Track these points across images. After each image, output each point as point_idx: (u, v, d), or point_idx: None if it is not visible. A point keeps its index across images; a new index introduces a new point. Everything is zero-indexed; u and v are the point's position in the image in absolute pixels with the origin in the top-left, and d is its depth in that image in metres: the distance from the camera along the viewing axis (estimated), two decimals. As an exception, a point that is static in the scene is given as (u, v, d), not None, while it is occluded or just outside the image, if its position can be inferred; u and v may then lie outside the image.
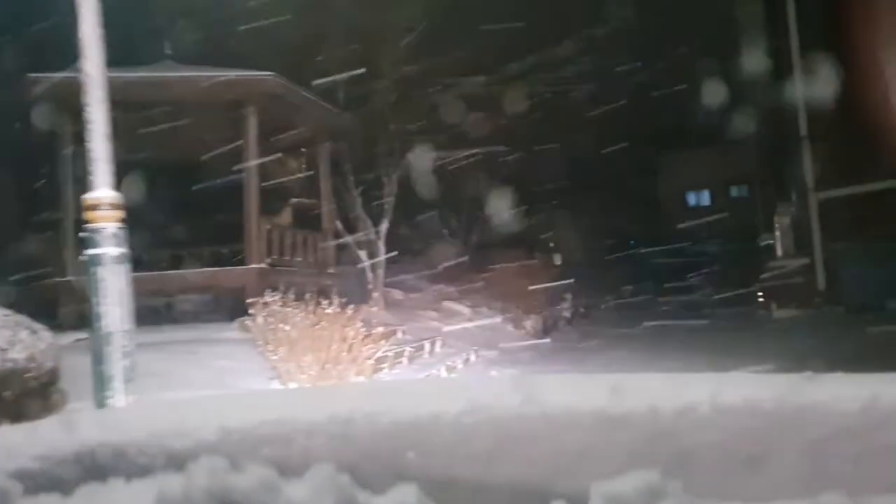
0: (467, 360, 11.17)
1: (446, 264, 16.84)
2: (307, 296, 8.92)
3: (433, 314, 13.80)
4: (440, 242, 18.00)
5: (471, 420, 1.93)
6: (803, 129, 16.66)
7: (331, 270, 11.97)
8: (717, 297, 22.37)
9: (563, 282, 21.70)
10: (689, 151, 32.14)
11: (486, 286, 16.59)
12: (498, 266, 17.20)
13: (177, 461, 1.83)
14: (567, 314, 17.76)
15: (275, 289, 8.83)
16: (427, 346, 10.99)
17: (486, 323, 14.25)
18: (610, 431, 1.87)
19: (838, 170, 15.43)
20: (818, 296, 16.19)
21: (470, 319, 14.15)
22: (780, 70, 18.21)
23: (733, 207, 29.94)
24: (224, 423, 2.04)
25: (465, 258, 18.24)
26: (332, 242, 12.05)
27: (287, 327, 7.61)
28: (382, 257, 13.62)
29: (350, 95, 13.42)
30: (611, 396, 1.94)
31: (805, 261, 16.70)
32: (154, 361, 8.12)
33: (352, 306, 8.92)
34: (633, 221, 33.79)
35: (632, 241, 32.64)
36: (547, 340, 14.50)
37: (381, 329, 10.10)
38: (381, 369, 9.26)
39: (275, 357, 7.71)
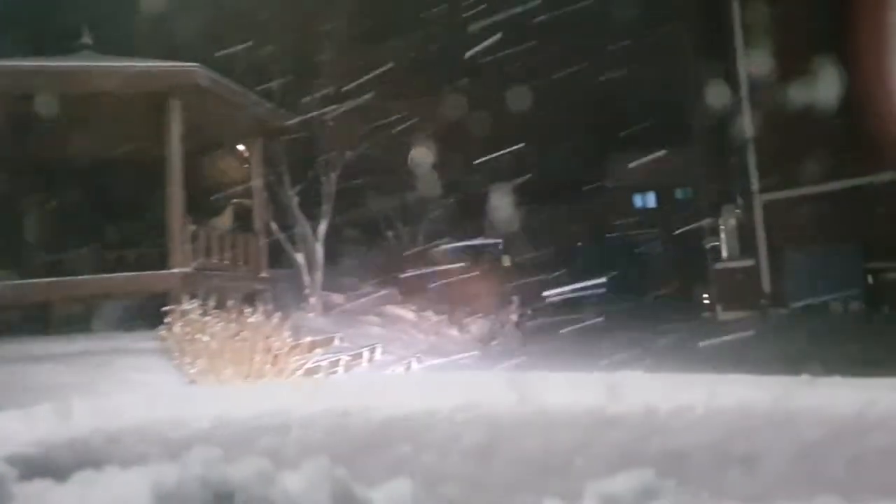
0: (409, 367, 10.67)
1: (392, 267, 16.34)
2: (234, 302, 8.31)
3: (375, 320, 13.27)
4: (386, 244, 17.47)
5: (464, 417, 1.94)
6: (748, 131, 16.63)
7: (264, 275, 11.33)
8: (662, 298, 22.44)
9: (511, 284, 21.44)
10: (635, 153, 32.20)
11: (433, 290, 16.14)
12: (445, 269, 16.76)
13: (172, 450, 1.82)
14: (514, 317, 17.40)
15: (200, 294, 8.20)
16: (366, 353, 10.46)
17: (430, 328, 13.79)
18: (605, 430, 1.87)
19: (782, 172, 15.42)
20: (763, 297, 16.18)
21: (414, 325, 13.67)
22: (726, 71, 18.21)
23: (679, 209, 30.14)
24: (220, 413, 2.07)
25: (412, 261, 17.76)
26: (265, 244, 11.39)
27: (205, 338, 6.99)
28: (320, 260, 13.02)
29: (288, 91, 12.84)
30: (607, 395, 1.97)
31: (750, 262, 16.68)
32: (62, 374, 7.43)
33: (284, 313, 8.36)
34: (582, 223, 33.83)
35: (579, 243, 32.61)
36: (493, 345, 14.11)
37: (312, 338, 9.56)
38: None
39: (192, 370, 7.10)
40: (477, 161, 21.13)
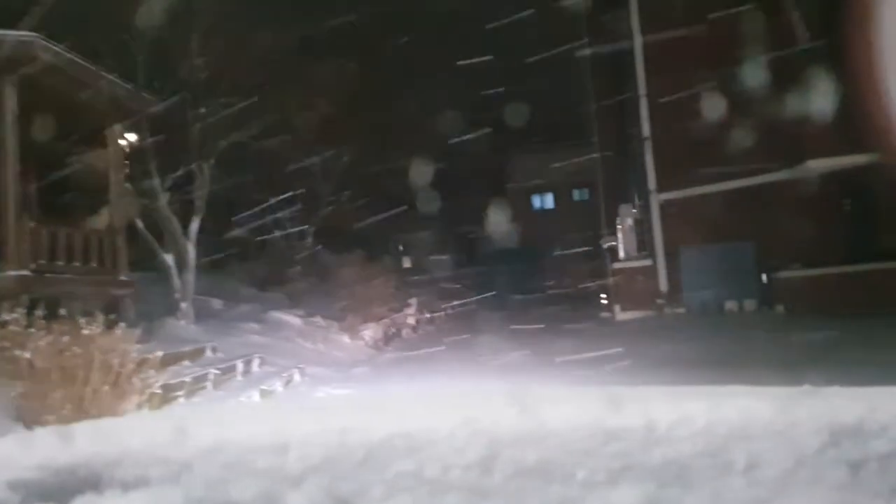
0: (290, 380, 9.62)
1: (279, 270, 15.17)
2: (83, 309, 7.03)
3: (256, 327, 12.10)
4: (273, 244, 16.24)
5: (465, 433, 1.96)
6: (646, 130, 16.48)
7: (124, 278, 9.99)
8: (561, 300, 22.25)
9: (410, 286, 20.64)
10: (534, 154, 32.18)
11: (324, 293, 15.07)
12: (339, 270, 15.74)
13: (173, 472, 1.82)
14: (412, 321, 16.55)
15: (40, 301, 6.89)
16: (240, 365, 9.33)
17: (319, 334, 12.74)
18: (606, 443, 1.89)
19: (680, 171, 15.31)
20: (660, 297, 16.05)
21: (301, 332, 12.59)
22: (625, 71, 18.07)
23: (577, 210, 30.22)
24: (220, 433, 2.09)
25: (302, 262, 16.62)
26: (123, 244, 10.03)
27: (27, 354, 5.76)
28: (192, 261, 11.72)
29: (156, 75, 11.53)
30: (608, 408, 2.04)
31: (647, 262, 16.53)
32: None
33: (149, 320, 7.17)
34: (483, 224, 33.51)
35: (481, 245, 32.23)
36: (387, 351, 13.21)
37: (179, 349, 8.38)
38: (174, 399, 7.58)
39: (13, 393, 5.85)
40: (372, 155, 20.29)
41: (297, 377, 9.82)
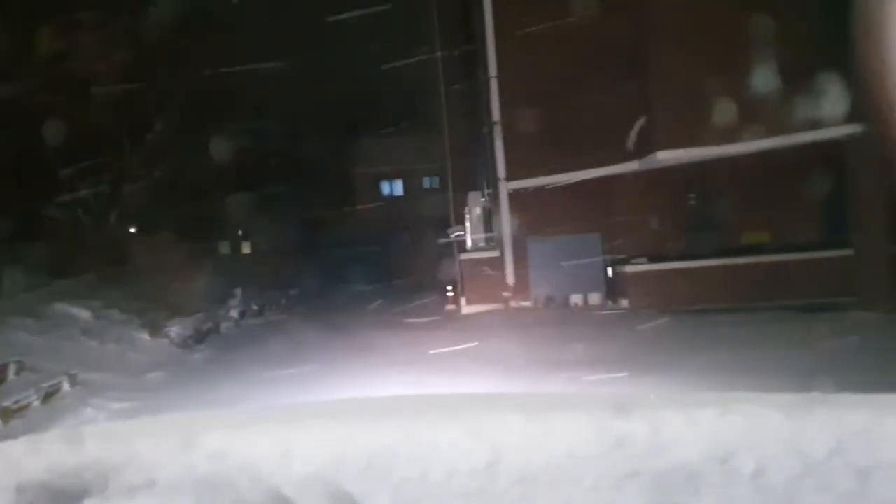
0: (53, 391, 7.68)
1: (70, 254, 12.86)
2: None
3: (30, 322, 9.92)
4: (61, 222, 13.80)
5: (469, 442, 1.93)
6: (496, 114, 15.54)
7: None
8: (406, 291, 21.18)
9: (241, 274, 18.71)
10: (383, 139, 30.90)
11: (128, 282, 12.93)
12: (148, 255, 13.62)
13: (182, 477, 1.81)
14: (235, 314, 14.68)
15: None
16: (-15, 374, 7.29)
17: (111, 332, 10.71)
18: (611, 449, 1.87)
19: (530, 159, 14.50)
20: (507, 290, 15.24)
21: (87, 329, 10.51)
22: (475, 55, 17.12)
23: (427, 198, 29.17)
24: (224, 439, 2.05)
25: (104, 245, 14.30)
26: None
27: None
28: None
29: None
30: (614, 414, 1.99)
31: (495, 254, 15.67)
32: None
33: None
34: (328, 210, 31.95)
35: (324, 231, 30.55)
36: (198, 351, 11.37)
37: None
38: None
39: None
40: (206, 135, 18.29)
41: (65, 387, 7.88)
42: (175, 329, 11.27)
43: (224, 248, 31.30)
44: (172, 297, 12.26)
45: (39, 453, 2.02)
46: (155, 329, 11.00)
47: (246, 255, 33.78)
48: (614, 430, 1.91)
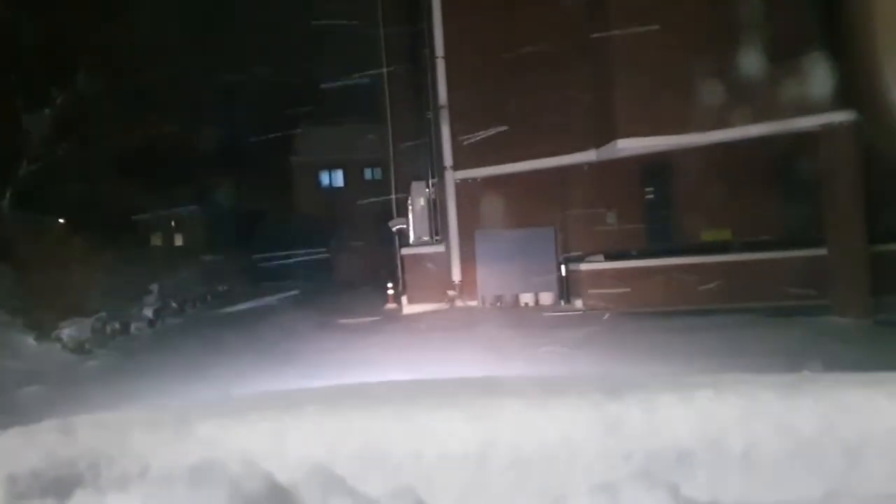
0: None
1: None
2: None
3: None
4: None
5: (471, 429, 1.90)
6: (443, 98, 14.29)
7: None
8: (345, 288, 19.95)
9: (163, 268, 17.11)
10: (323, 127, 29.37)
11: (19, 277, 11.23)
12: (43, 246, 11.95)
13: (175, 464, 1.77)
14: (149, 313, 13.08)
15: None
16: None
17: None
18: (605, 431, 1.84)
19: (480, 147, 13.28)
20: (453, 288, 14.05)
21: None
22: (421, 35, 15.85)
23: (369, 189, 27.74)
24: (218, 426, 2.03)
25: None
26: None
27: None
28: None
29: None
30: (608, 397, 1.98)
31: (440, 249, 14.46)
32: None
33: None
34: (265, 202, 30.36)
35: (260, 224, 28.91)
36: (95, 357, 9.81)
37: None
38: None
39: None
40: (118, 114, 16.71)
41: None
42: (68, 331, 9.68)
43: (156, 239, 29.44)
44: (70, 294, 10.64)
45: (32, 443, 2.00)
46: (44, 331, 9.40)
47: (178, 247, 31.97)
48: (608, 412, 1.93)
